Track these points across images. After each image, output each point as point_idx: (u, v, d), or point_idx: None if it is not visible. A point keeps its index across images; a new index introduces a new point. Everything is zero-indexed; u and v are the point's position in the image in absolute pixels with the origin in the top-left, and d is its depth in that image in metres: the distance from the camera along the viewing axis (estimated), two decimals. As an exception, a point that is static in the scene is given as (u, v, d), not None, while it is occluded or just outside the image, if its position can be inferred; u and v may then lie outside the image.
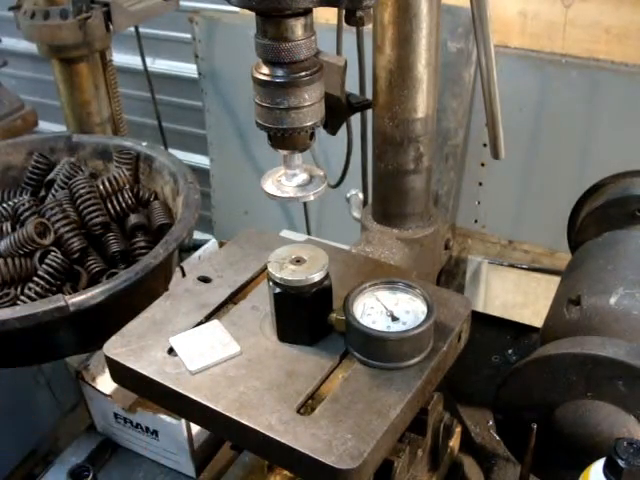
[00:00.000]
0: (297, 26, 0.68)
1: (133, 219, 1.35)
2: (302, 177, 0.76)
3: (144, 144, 1.41)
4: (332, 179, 1.66)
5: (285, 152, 0.75)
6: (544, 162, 1.83)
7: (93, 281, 1.23)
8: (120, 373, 0.82)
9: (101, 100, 1.65)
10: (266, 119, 0.72)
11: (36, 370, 1.46)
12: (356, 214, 1.24)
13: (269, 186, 0.76)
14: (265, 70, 0.70)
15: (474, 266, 2.04)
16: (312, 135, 0.74)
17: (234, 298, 0.91)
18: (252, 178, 2.20)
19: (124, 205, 1.35)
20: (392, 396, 0.74)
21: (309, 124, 0.72)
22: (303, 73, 0.70)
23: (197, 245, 1.54)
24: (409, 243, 1.07)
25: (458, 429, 1.02)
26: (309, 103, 0.71)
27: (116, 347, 0.82)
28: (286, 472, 0.91)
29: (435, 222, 1.10)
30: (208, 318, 0.87)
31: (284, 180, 0.76)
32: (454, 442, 1.02)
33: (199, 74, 2.30)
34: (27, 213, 1.28)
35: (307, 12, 0.68)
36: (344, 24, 0.73)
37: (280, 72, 0.69)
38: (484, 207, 1.99)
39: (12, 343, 1.09)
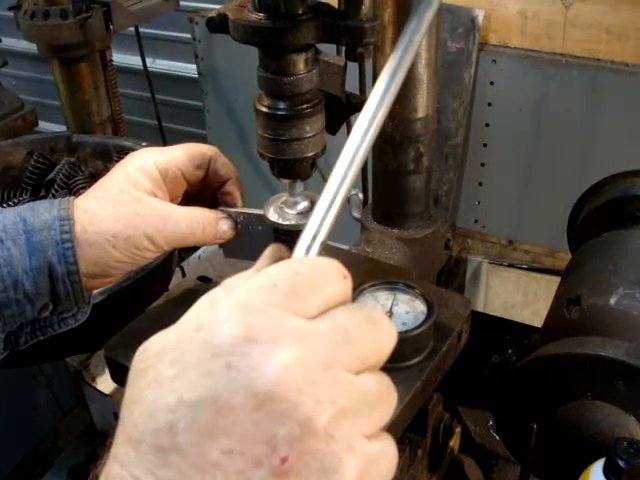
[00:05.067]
0: (299, 60, 0.69)
1: (133, 219, 1.34)
2: (303, 204, 0.78)
3: (144, 144, 1.41)
4: (332, 179, 1.65)
5: (287, 181, 0.76)
6: (544, 162, 1.83)
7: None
8: (120, 373, 0.82)
9: (101, 100, 1.65)
10: (268, 149, 0.74)
11: (36, 370, 1.46)
12: (356, 214, 1.24)
13: (271, 213, 0.78)
14: (267, 102, 0.72)
15: (474, 266, 2.04)
16: (313, 164, 0.76)
17: (234, 298, 0.90)
18: (252, 178, 2.19)
19: (124, 205, 1.34)
20: (392, 396, 0.74)
21: (310, 155, 0.74)
22: (305, 106, 0.71)
23: (197, 245, 1.54)
24: (409, 243, 1.07)
25: (458, 429, 1.02)
26: (310, 135, 0.72)
27: (116, 347, 0.82)
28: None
29: (435, 222, 1.10)
30: (208, 318, 0.87)
31: (286, 208, 0.78)
32: (454, 442, 1.02)
33: (199, 74, 2.30)
34: (27, 213, 1.28)
35: (309, 47, 0.69)
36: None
37: (282, 105, 0.71)
38: (484, 207, 1.99)
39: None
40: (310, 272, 0.44)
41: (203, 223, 0.76)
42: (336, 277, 0.45)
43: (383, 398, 0.44)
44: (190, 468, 0.37)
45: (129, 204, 0.72)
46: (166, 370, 0.40)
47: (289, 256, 0.51)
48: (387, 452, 0.43)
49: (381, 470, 0.42)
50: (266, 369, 0.38)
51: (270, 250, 0.52)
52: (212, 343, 0.40)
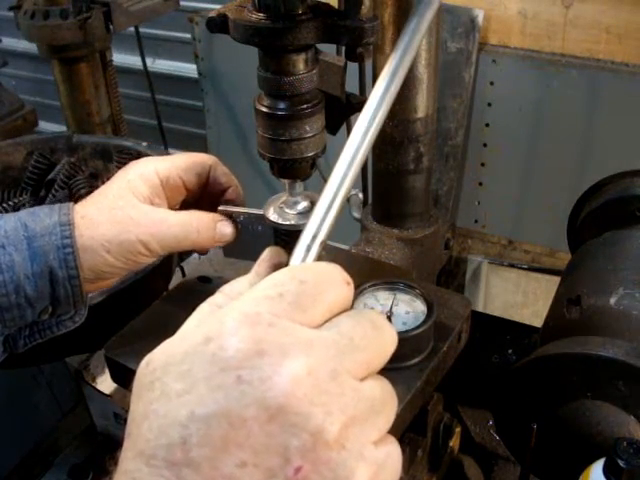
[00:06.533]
0: (299, 60, 0.69)
1: (133, 219, 1.34)
2: (303, 204, 0.78)
3: (144, 144, 1.41)
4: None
5: (286, 181, 0.76)
6: (544, 162, 1.83)
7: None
8: (120, 373, 0.82)
9: (101, 100, 1.65)
10: (268, 149, 0.74)
11: (36, 370, 1.46)
12: (356, 214, 1.24)
13: (271, 213, 0.77)
14: (267, 102, 0.72)
15: (474, 266, 2.04)
16: (313, 164, 0.76)
17: (234, 298, 0.90)
18: (252, 178, 2.20)
19: (124, 205, 1.34)
20: (392, 396, 0.74)
21: (310, 155, 0.74)
22: (305, 106, 0.71)
23: (197, 248, 1.53)
24: (409, 243, 1.07)
25: (458, 429, 1.02)
26: (310, 135, 0.72)
27: (116, 347, 0.82)
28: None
29: (435, 222, 1.10)
30: (208, 318, 0.87)
31: (286, 208, 0.78)
32: (454, 442, 1.02)
33: (199, 74, 2.30)
34: (27, 213, 1.28)
35: (309, 47, 0.69)
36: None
37: (282, 105, 0.71)
38: (484, 207, 1.99)
39: (12, 343, 1.09)
40: (315, 280, 0.44)
41: (197, 226, 0.76)
42: (340, 284, 0.45)
43: (387, 402, 0.44)
44: None
45: (124, 209, 0.73)
46: (174, 384, 0.40)
47: (287, 258, 0.51)
48: (393, 455, 0.44)
49: (389, 473, 0.43)
50: (277, 381, 0.38)
51: (268, 253, 0.52)
52: (221, 357, 0.39)
